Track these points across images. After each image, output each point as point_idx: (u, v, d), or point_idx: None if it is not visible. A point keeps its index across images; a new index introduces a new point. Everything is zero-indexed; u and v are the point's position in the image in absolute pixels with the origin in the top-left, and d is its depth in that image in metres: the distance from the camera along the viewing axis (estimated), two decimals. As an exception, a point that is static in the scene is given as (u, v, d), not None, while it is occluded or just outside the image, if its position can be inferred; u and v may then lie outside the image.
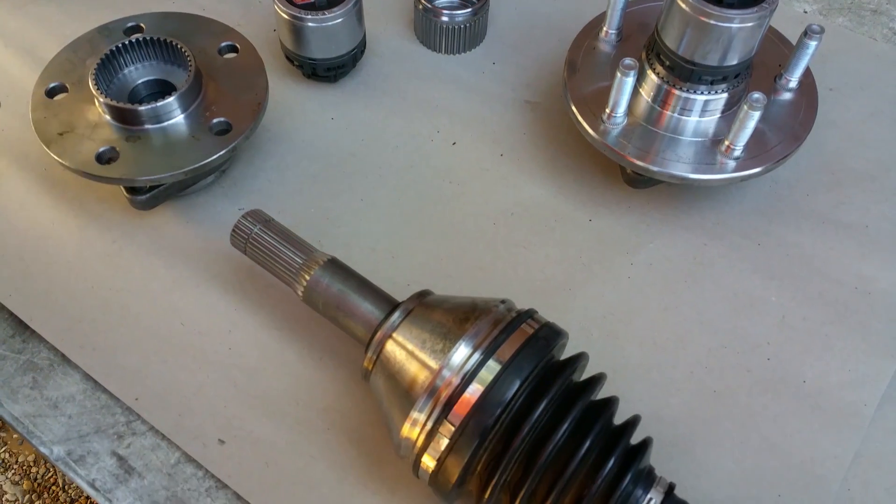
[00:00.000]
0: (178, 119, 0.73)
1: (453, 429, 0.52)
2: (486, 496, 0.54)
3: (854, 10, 0.99)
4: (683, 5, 0.68)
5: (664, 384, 0.70)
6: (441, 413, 0.53)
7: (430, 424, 0.53)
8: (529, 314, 0.58)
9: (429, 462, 0.54)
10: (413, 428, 0.54)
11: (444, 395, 0.53)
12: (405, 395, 0.55)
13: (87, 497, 1.80)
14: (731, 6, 0.67)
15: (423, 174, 0.83)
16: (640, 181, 0.78)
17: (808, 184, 0.83)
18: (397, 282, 0.73)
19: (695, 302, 0.75)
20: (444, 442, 0.53)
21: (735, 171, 0.73)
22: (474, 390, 0.53)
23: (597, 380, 0.57)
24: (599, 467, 0.53)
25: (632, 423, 0.56)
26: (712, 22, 0.67)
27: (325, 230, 0.78)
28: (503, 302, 0.59)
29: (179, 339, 0.71)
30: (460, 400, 0.53)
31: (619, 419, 0.63)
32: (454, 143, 0.86)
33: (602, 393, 0.61)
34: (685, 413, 0.68)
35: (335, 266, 0.63)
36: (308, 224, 0.78)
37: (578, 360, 0.58)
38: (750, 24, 0.67)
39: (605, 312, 0.74)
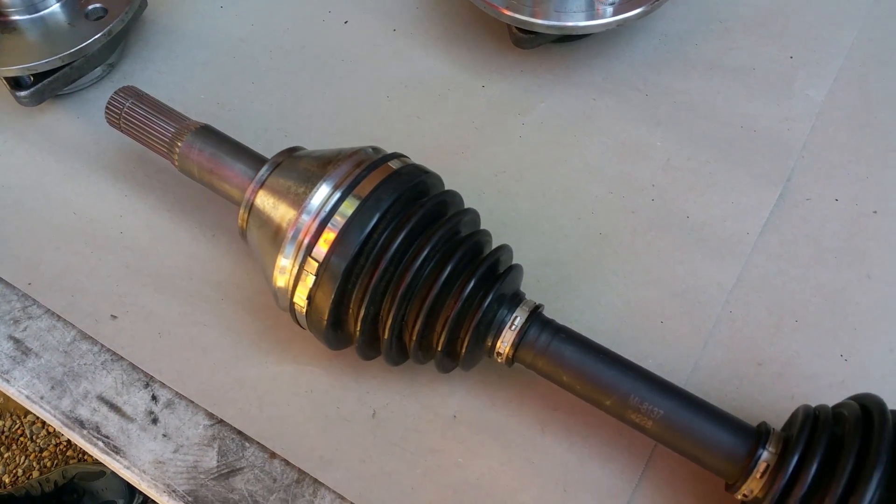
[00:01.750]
0: (54, 8, 0.73)
1: (318, 263, 0.53)
2: (357, 330, 0.55)
3: None
4: None
5: (552, 232, 0.71)
6: (305, 253, 0.54)
7: (296, 267, 0.54)
8: (395, 155, 0.59)
9: (300, 302, 0.55)
10: (283, 275, 0.55)
11: (307, 236, 0.54)
12: (273, 243, 0.56)
13: (56, 444, 1.82)
14: None
15: (316, 54, 0.83)
16: (525, 40, 0.79)
17: (698, 34, 0.84)
18: (289, 157, 0.73)
19: (583, 154, 0.76)
20: (311, 279, 0.54)
21: (613, 15, 0.73)
22: (334, 227, 0.54)
23: (461, 212, 0.58)
24: (462, 290, 0.54)
25: (496, 250, 0.57)
26: None
27: (217, 115, 0.79)
28: (373, 148, 0.60)
29: (72, 227, 0.72)
30: (321, 238, 0.54)
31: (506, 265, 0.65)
32: (346, 22, 0.86)
33: (493, 245, 0.62)
34: (572, 256, 0.70)
35: (207, 132, 0.64)
36: (199, 110, 0.78)
37: (444, 194, 0.58)
38: None
39: (496, 171, 0.75)
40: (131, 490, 1.54)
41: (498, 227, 0.70)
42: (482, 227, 0.61)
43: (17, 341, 0.66)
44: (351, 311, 0.56)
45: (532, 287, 0.67)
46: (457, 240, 0.56)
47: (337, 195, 0.55)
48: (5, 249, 0.70)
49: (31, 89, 0.74)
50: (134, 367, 0.64)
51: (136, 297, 0.68)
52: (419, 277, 0.54)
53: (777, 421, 0.57)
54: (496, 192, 0.74)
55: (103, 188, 0.74)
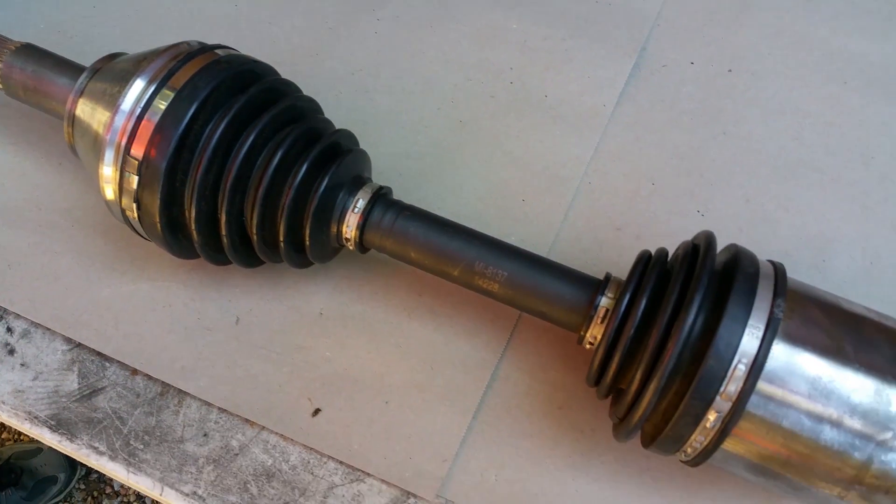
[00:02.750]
0: None
1: (137, 163, 0.51)
2: (193, 230, 0.53)
3: None
4: None
5: (412, 125, 0.70)
6: (125, 154, 0.52)
7: (118, 172, 0.52)
8: (219, 46, 0.56)
9: (129, 208, 0.53)
10: (108, 184, 0.53)
11: (123, 137, 0.52)
12: (95, 152, 0.54)
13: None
14: None
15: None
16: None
17: (551, -84, 0.82)
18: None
19: (440, 44, 0.74)
20: (135, 179, 0.52)
21: None
22: (150, 122, 0.51)
23: (295, 99, 0.56)
24: (295, 176, 0.52)
25: (331, 134, 0.55)
26: None
27: (59, 43, 0.73)
28: (198, 42, 0.57)
29: None
30: (137, 136, 0.51)
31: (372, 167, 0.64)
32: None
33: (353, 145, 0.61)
34: (433, 146, 0.69)
35: (29, 50, 0.61)
36: (39, 40, 0.74)
37: (274, 82, 0.56)
38: None
39: (353, 70, 0.74)
40: (72, 463, 1.52)
41: (357, 125, 0.68)
42: (336, 125, 0.59)
43: None
44: (186, 212, 0.54)
45: (394, 180, 0.66)
46: (290, 127, 0.54)
47: (151, 89, 0.52)
48: None
49: None
50: (-17, 301, 0.62)
51: (-17, 233, 0.65)
52: (249, 167, 0.52)
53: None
54: (353, 90, 0.73)
55: (-60, 127, 0.70)
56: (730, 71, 0.71)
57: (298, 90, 0.59)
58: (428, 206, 0.60)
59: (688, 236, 0.61)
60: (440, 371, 0.58)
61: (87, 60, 0.69)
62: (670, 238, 0.62)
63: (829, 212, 0.63)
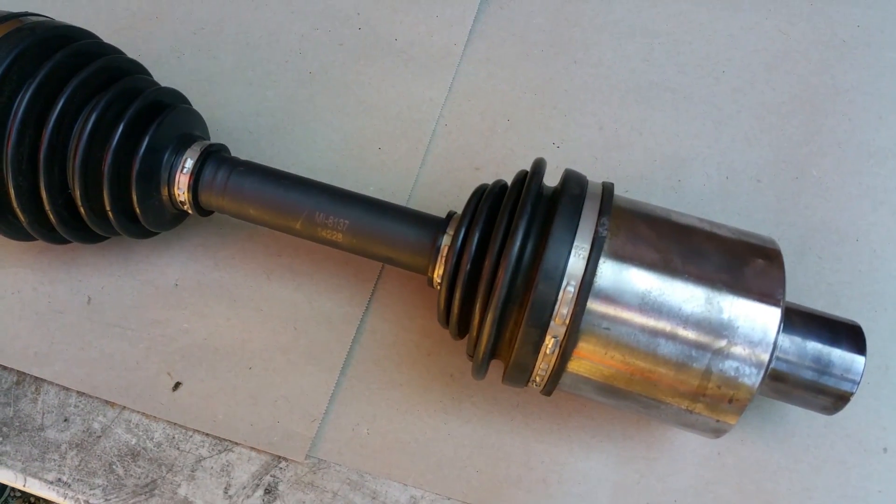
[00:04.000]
0: None
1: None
2: (16, 208, 0.51)
3: None
4: None
5: (259, 80, 0.68)
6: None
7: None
8: (25, 14, 0.53)
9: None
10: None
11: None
12: None
13: None
14: None
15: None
16: None
17: None
18: None
19: (284, -6, 0.72)
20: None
21: None
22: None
23: (104, 58, 0.52)
24: (110, 142, 0.50)
25: (150, 93, 0.52)
26: None
27: None
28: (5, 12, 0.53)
29: None
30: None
31: (213, 129, 0.62)
32: None
33: (201, 104, 0.58)
34: (283, 101, 0.67)
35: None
36: None
37: (85, 45, 0.52)
38: None
39: (195, 29, 0.71)
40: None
41: (203, 84, 0.67)
42: (172, 86, 0.56)
43: None
44: (5, 190, 0.50)
45: (244, 140, 0.65)
46: (106, 89, 0.51)
47: None
48: None
49: None
50: None
51: None
52: (65, 137, 0.50)
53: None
54: (196, 50, 0.70)
55: None
56: (578, -3, 0.71)
57: (118, 52, 0.56)
58: (281, 163, 0.58)
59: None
60: (304, 331, 0.57)
61: None
62: (525, 171, 0.62)
63: (682, 131, 0.64)
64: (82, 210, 0.51)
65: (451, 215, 0.50)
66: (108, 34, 0.68)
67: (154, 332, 0.57)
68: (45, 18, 0.55)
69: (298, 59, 0.69)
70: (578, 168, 0.61)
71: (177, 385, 0.55)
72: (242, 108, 0.66)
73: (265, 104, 0.67)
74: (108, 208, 0.51)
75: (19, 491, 1.53)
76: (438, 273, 0.49)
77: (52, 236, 0.54)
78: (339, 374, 0.55)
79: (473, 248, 0.45)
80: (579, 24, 0.69)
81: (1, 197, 0.51)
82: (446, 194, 0.62)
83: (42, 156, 0.49)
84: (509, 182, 0.50)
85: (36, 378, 0.56)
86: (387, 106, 0.66)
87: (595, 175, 0.56)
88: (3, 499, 1.50)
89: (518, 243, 0.42)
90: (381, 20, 0.70)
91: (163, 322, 0.57)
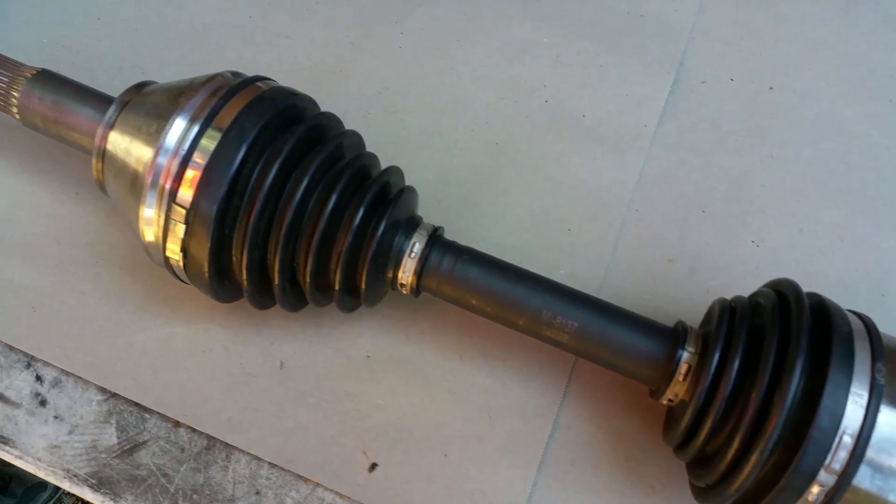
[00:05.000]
0: None
1: (185, 210, 0.48)
2: (244, 279, 0.50)
3: None
4: None
5: (447, 147, 0.67)
6: (169, 200, 0.48)
7: (162, 217, 0.49)
8: (258, 78, 0.53)
9: (174, 256, 0.50)
10: (150, 227, 0.50)
11: (168, 180, 0.49)
12: (132, 192, 0.51)
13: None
14: None
15: (165, -20, 0.76)
16: (394, -58, 0.73)
17: (575, -81, 0.79)
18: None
19: (469, 59, 0.71)
20: (182, 229, 0.49)
21: None
22: (196, 166, 0.48)
23: (341, 135, 0.53)
24: (351, 220, 0.49)
25: (383, 173, 0.53)
26: None
27: (64, 58, 0.71)
28: (233, 73, 0.54)
29: (-86, 202, 0.64)
30: (184, 180, 0.48)
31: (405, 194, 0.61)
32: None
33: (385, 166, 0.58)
34: (470, 171, 0.66)
35: (46, 77, 0.57)
36: (42, 57, 0.71)
37: (319, 117, 0.53)
38: None
39: (380, 88, 0.70)
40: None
41: (388, 148, 0.65)
42: (369, 150, 0.56)
43: None
44: (234, 258, 0.51)
45: (432, 209, 0.64)
46: (339, 166, 0.51)
47: (195, 129, 0.49)
48: None
49: None
50: (11, 347, 0.58)
51: (2, 271, 0.61)
52: (302, 212, 0.50)
53: (697, 317, 0.56)
54: (382, 110, 0.69)
55: (-56, 156, 0.66)
56: (771, 88, 0.69)
57: (340, 124, 0.56)
58: (471, 238, 0.57)
59: (744, 268, 0.60)
60: (499, 420, 0.56)
61: (96, 76, 0.66)
62: (726, 271, 0.61)
63: (884, 241, 0.62)
64: (308, 285, 0.51)
65: (685, 329, 0.49)
66: (290, 84, 0.68)
67: (348, 405, 0.56)
68: (273, 83, 0.54)
69: (485, 128, 0.68)
70: (781, 272, 0.59)
71: (373, 466, 0.54)
72: (429, 176, 0.65)
73: (452, 173, 0.66)
74: (336, 287, 0.51)
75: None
76: (674, 391, 0.47)
77: (263, 302, 0.54)
78: (535, 471, 0.54)
79: (733, 377, 0.44)
80: (774, 116, 0.68)
81: (223, 263, 0.51)
82: (639, 285, 0.61)
83: (283, 232, 0.49)
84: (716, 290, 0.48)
85: (227, 445, 0.55)
86: (576, 185, 0.65)
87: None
88: (57, 496, 1.51)
89: (794, 384, 0.41)
90: (569, 94, 0.70)
91: (356, 395, 0.57)
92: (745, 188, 0.65)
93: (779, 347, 0.43)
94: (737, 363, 0.44)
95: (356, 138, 0.55)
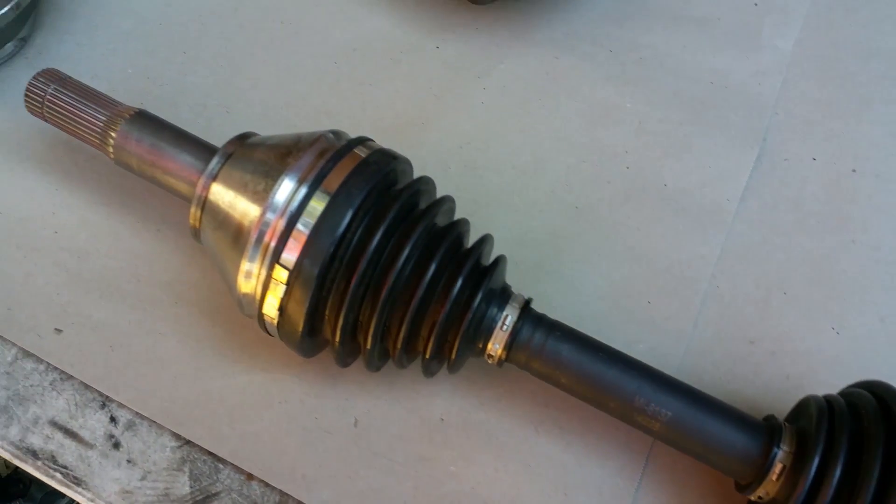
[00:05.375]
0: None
1: (287, 272, 0.48)
2: (337, 340, 0.50)
3: None
4: None
5: (526, 208, 0.67)
6: (272, 257, 0.49)
7: (263, 273, 0.49)
8: (360, 140, 0.53)
9: (271, 313, 0.50)
10: (248, 281, 0.50)
11: (273, 238, 0.49)
12: (234, 246, 0.51)
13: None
14: None
15: (251, 16, 0.76)
16: (483, -4, 0.73)
17: (659, -17, 0.79)
18: (234, 137, 0.67)
19: (550, 119, 0.71)
20: (282, 288, 0.49)
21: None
22: (303, 227, 0.48)
23: (439, 202, 0.53)
24: (448, 291, 0.49)
25: (480, 242, 0.53)
26: None
27: (148, 91, 0.71)
28: (333, 133, 0.54)
29: (-1, 229, 0.64)
30: (290, 240, 0.48)
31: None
32: (282, -20, 0.78)
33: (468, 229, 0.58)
34: (549, 233, 0.66)
35: (144, 118, 0.57)
36: (127, 87, 0.71)
37: (417, 183, 0.53)
38: None
39: (461, 143, 0.70)
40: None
41: (468, 204, 0.65)
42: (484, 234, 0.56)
43: (-52, 365, 0.59)
44: (327, 318, 0.51)
45: (511, 271, 0.63)
46: (436, 233, 0.52)
47: (303, 191, 0.49)
48: (-78, 259, 0.63)
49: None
50: (87, 386, 0.58)
51: (81, 307, 0.61)
52: (401, 279, 0.50)
53: (776, 403, 0.56)
54: (462, 165, 0.69)
55: (30, 182, 0.66)
56: (854, 171, 0.69)
57: (434, 187, 0.56)
58: (549, 305, 0.57)
59: (824, 355, 0.60)
60: (574, 499, 0.55)
61: (180, 112, 0.67)
62: (807, 358, 0.60)
63: (967, 337, 0.62)
64: (396, 348, 0.51)
65: (777, 425, 0.48)
66: (371, 134, 0.68)
67: (421, 469, 0.56)
68: (375, 145, 0.55)
69: (565, 191, 0.68)
70: (859, 364, 0.59)
71: (446, 535, 0.54)
72: (508, 236, 0.65)
73: (530, 235, 0.66)
74: (427, 355, 0.51)
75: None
76: (766, 490, 0.47)
77: (346, 361, 0.54)
78: (613, 555, 0.54)
79: (835, 483, 0.43)
80: (856, 201, 0.68)
81: (316, 322, 0.51)
82: (718, 366, 0.61)
83: (382, 297, 0.49)
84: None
85: (299, 502, 0.55)
86: (656, 256, 0.65)
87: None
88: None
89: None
90: (650, 162, 0.69)
91: (429, 460, 0.56)
92: (826, 272, 0.64)
93: (885, 458, 0.42)
94: (839, 470, 0.43)
95: (451, 203, 0.55)
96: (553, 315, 0.55)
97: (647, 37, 0.76)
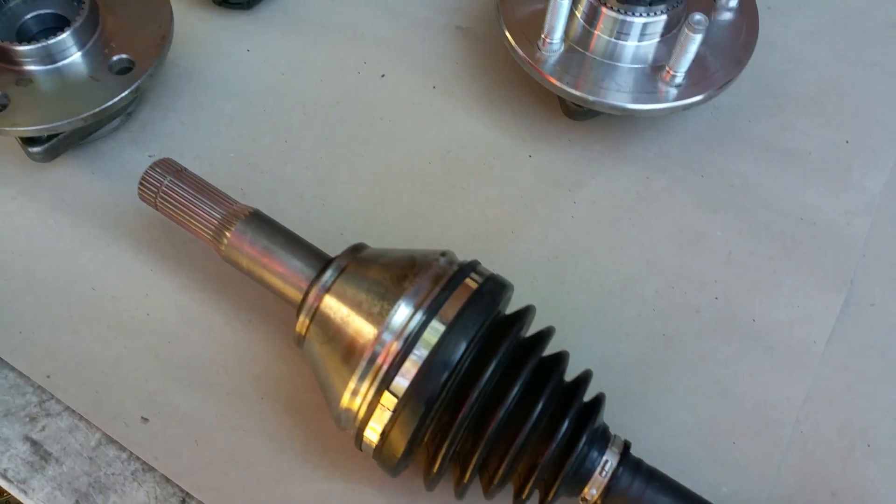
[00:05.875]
0: (75, 58, 0.66)
1: (396, 400, 0.48)
2: (435, 469, 0.50)
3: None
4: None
5: (612, 330, 0.67)
6: (382, 382, 0.49)
7: (371, 395, 0.49)
8: (472, 267, 0.54)
9: (372, 436, 0.50)
10: (353, 398, 0.50)
11: (386, 362, 0.49)
12: (343, 362, 0.51)
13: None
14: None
15: (352, 110, 0.77)
16: (579, 112, 0.74)
17: (750, 109, 0.80)
18: (329, 232, 0.69)
19: (640, 240, 0.72)
20: (388, 414, 0.49)
21: (676, 99, 0.69)
22: (418, 356, 0.49)
23: (546, 335, 0.53)
24: (553, 432, 0.50)
25: (584, 380, 0.53)
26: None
27: (248, 177, 0.72)
28: (444, 255, 0.55)
29: (91, 306, 0.65)
30: (403, 367, 0.49)
31: (568, 370, 0.61)
32: (383, 76, 0.80)
33: (550, 343, 0.58)
34: (635, 360, 0.66)
35: (259, 220, 0.58)
36: (228, 171, 0.72)
37: (526, 314, 0.54)
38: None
39: (549, 255, 0.71)
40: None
41: (555, 321, 0.65)
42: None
43: (34, 443, 0.59)
44: (426, 444, 0.51)
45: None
46: (542, 366, 0.52)
47: (419, 318, 0.50)
48: (18, 333, 0.63)
49: (46, 145, 0.67)
50: (168, 479, 0.58)
51: (169, 395, 0.61)
52: (506, 416, 0.50)
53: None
54: (550, 279, 0.70)
55: (125, 260, 0.67)
56: (941, 328, 0.69)
57: (534, 315, 0.56)
58: (634, 435, 0.57)
59: (909, 517, 0.59)
60: None
61: (278, 200, 0.68)
62: (893, 518, 0.59)
63: None
64: (492, 483, 0.51)
65: None
66: (462, 241, 0.69)
67: None
68: (485, 271, 0.55)
69: (652, 316, 0.68)
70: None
71: None
72: (593, 357, 0.65)
73: (616, 359, 0.66)
74: (525, 495, 0.50)
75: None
76: None
77: (434, 486, 0.54)
78: None
79: None
80: (944, 352, 0.67)
81: (413, 448, 0.51)
82: (800, 515, 0.60)
83: (488, 433, 0.49)
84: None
85: None
86: (743, 395, 0.65)
87: None
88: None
89: None
90: (740, 294, 0.69)
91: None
92: (913, 429, 0.64)
93: None
94: None
95: (551, 332, 0.56)
96: (637, 447, 0.55)
97: (739, 164, 0.76)
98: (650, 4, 0.68)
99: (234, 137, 0.75)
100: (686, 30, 0.63)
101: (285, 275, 0.56)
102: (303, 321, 0.54)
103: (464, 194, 0.74)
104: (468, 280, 0.52)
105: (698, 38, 0.63)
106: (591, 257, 0.71)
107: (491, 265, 0.68)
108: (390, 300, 0.51)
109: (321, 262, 0.56)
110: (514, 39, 0.72)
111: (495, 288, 0.53)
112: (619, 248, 0.72)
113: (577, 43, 0.71)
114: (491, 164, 0.76)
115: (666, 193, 0.75)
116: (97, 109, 0.63)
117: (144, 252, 0.68)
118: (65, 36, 0.64)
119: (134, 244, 0.68)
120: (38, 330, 0.64)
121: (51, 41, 0.63)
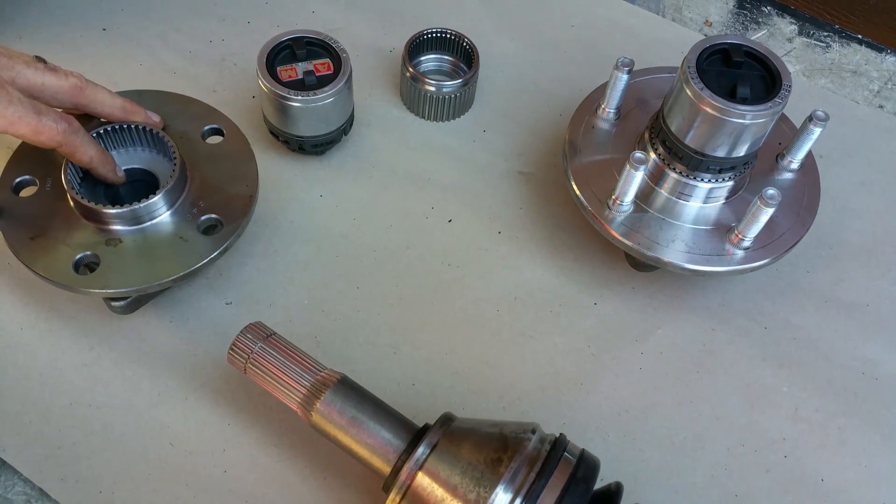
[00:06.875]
0: (164, 217, 0.67)
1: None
2: None
3: (835, 72, 0.98)
4: (694, 98, 0.65)
5: (686, 490, 0.68)
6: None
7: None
8: (563, 446, 0.55)
9: None
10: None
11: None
12: (439, 548, 0.51)
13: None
14: (743, 100, 0.65)
15: (421, 256, 0.79)
16: (645, 267, 0.76)
17: (807, 260, 0.82)
18: (401, 381, 0.70)
19: (709, 395, 0.73)
20: None
21: (744, 262, 0.71)
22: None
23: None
24: None
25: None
26: (725, 118, 0.64)
27: (321, 324, 0.74)
28: (533, 431, 0.56)
29: (169, 462, 0.65)
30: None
31: None
32: (450, 221, 0.82)
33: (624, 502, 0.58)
34: (710, 523, 0.66)
35: (347, 387, 0.59)
36: (302, 319, 0.74)
37: (618, 494, 0.55)
38: (762, 120, 0.65)
39: (619, 410, 0.72)
40: None
41: (627, 479, 0.65)
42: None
43: None
44: None
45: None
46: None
47: None
48: (97, 492, 0.63)
49: (129, 300, 0.68)
50: None
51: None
52: None
53: None
54: (621, 435, 0.70)
55: (203, 414, 0.68)
56: None
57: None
58: None
59: None
60: None
61: (351, 348, 0.71)
62: None
63: None
64: None
65: None
66: (533, 393, 0.70)
67: None
68: (576, 450, 0.56)
69: (724, 476, 0.69)
70: None
71: None
72: (668, 519, 0.65)
73: (691, 521, 0.66)
74: None
75: None
76: None
77: None
78: None
79: None
80: None
81: None
82: None
83: None
84: None
85: None
86: (817, 560, 0.65)
87: None
88: None
89: None
90: (807, 453, 0.70)
91: None
92: None
93: None
94: None
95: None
96: None
97: (800, 316, 0.78)
98: (719, 172, 0.70)
99: (307, 284, 0.76)
100: (759, 202, 0.65)
101: (374, 446, 0.57)
102: (393, 498, 0.55)
103: (532, 342, 0.75)
104: (563, 463, 0.53)
105: (770, 211, 0.65)
106: (661, 411, 0.72)
107: (563, 419, 0.69)
108: (487, 487, 0.52)
109: (409, 432, 0.57)
110: (580, 192, 0.73)
111: (588, 472, 0.54)
112: (687, 402, 0.72)
113: (645, 202, 0.73)
114: (557, 312, 0.77)
115: (731, 346, 0.76)
116: (186, 272, 0.65)
117: (221, 405, 0.69)
118: (157, 198, 0.66)
119: (211, 396, 0.69)
120: (118, 488, 0.64)
121: (142, 204, 0.65)
